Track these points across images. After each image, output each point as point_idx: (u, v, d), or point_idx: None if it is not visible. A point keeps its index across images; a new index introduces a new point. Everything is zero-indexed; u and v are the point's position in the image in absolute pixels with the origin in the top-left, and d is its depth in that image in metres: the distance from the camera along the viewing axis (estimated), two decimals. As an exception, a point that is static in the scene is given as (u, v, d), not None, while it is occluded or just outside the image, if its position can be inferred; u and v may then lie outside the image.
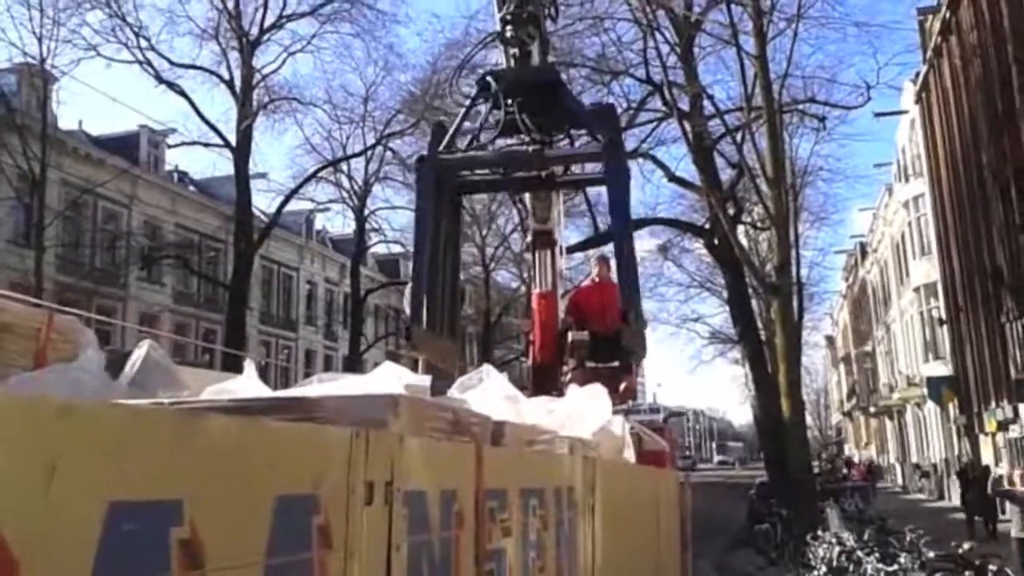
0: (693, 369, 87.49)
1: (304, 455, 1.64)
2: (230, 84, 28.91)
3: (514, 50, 8.95)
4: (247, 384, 2.80)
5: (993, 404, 27.96)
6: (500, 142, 8.90)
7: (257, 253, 31.25)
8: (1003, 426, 27.04)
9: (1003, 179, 25.07)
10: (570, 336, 9.51)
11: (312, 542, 1.62)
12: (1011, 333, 25.57)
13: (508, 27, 8.83)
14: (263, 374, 3.65)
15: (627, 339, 7.84)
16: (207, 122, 28.76)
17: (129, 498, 1.18)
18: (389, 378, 2.43)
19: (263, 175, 33.72)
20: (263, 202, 36.90)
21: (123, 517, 1.16)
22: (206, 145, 29.99)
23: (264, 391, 2.68)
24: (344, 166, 34.14)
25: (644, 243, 34.19)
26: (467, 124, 9.10)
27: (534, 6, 9.03)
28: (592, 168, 9.68)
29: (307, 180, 32.49)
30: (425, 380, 2.55)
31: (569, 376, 8.45)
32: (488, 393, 3.37)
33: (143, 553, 1.21)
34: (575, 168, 9.70)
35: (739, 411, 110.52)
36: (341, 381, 2.52)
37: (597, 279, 9.70)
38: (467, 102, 9.39)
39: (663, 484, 6.78)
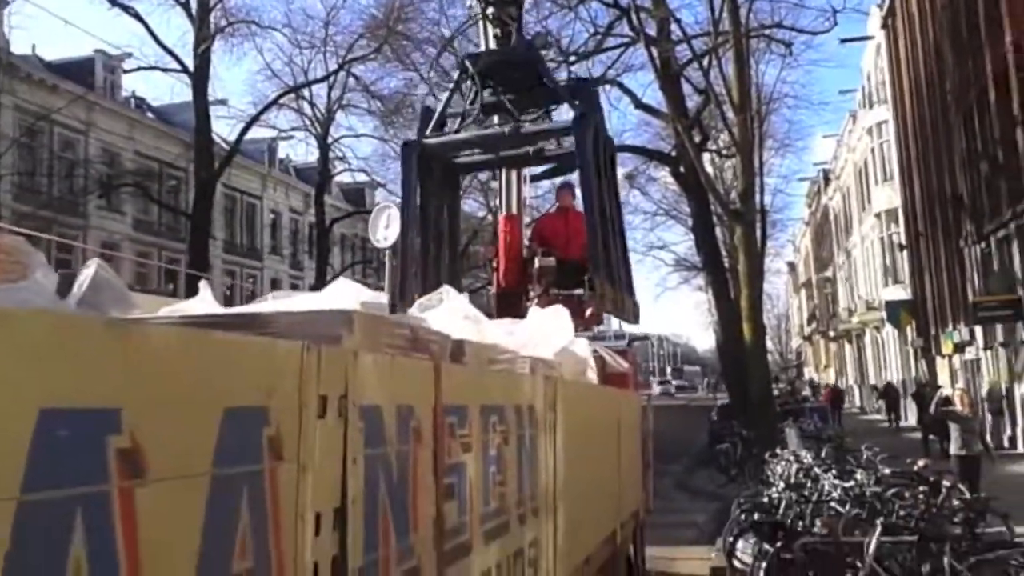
0: (658, 296, 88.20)
1: (253, 368, 1.62)
2: (186, 6, 28.05)
3: (496, 30, 9.05)
4: (201, 305, 2.76)
5: (950, 327, 28.59)
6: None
7: (219, 181, 30.76)
8: (959, 348, 27.72)
9: (966, 106, 25.19)
10: (536, 262, 9.52)
11: (263, 454, 1.60)
12: (969, 257, 26.02)
13: (489, 7, 8.88)
14: (228, 303, 3.60)
15: (595, 303, 7.92)
16: (163, 46, 27.98)
17: (61, 406, 1.14)
18: (344, 295, 2.40)
19: (223, 101, 33.01)
20: (224, 129, 36.40)
21: (55, 424, 1.12)
22: (163, 70, 29.24)
23: (219, 310, 2.64)
24: (306, 92, 33.49)
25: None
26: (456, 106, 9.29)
27: None
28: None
29: (268, 107, 31.86)
30: (382, 297, 2.52)
31: (535, 303, 8.45)
32: (448, 313, 3.35)
33: (77, 461, 1.18)
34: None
35: (703, 337, 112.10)
36: (295, 298, 2.48)
37: (563, 207, 9.67)
38: (450, 84, 9.59)
39: (625, 405, 6.87)
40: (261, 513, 1.60)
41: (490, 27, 9.25)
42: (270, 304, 2.42)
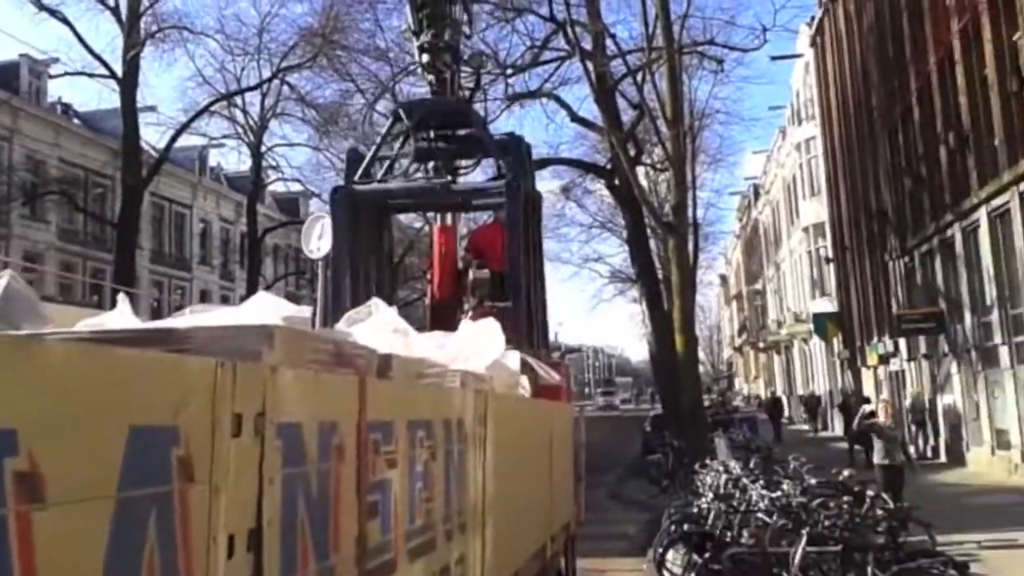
0: (594, 308, 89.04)
1: (161, 385, 1.56)
2: (115, 11, 27.39)
3: (431, 77, 9.13)
4: (119, 319, 2.67)
5: (875, 339, 29.37)
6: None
7: (147, 190, 30.05)
8: (884, 360, 28.48)
9: (891, 123, 25.98)
10: (471, 274, 9.52)
11: (172, 474, 1.55)
12: (893, 271, 26.79)
13: (425, 55, 8.95)
14: (155, 315, 3.50)
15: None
16: (91, 51, 27.27)
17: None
18: (265, 310, 2.35)
19: (152, 108, 32.27)
20: (153, 136, 35.53)
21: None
22: (91, 76, 28.43)
23: (136, 325, 2.56)
24: (239, 100, 32.95)
25: (547, 184, 34.38)
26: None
27: (451, 36, 9.12)
28: None
29: (199, 114, 31.23)
30: (305, 312, 2.47)
31: (470, 315, 8.44)
32: (376, 327, 3.31)
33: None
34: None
35: (637, 348, 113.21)
36: (214, 313, 2.42)
37: (499, 219, 9.70)
38: (382, 131, 9.71)
39: (558, 417, 6.88)
40: (170, 536, 1.55)
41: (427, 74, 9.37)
42: (188, 319, 2.36)
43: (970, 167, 19.33)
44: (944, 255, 21.91)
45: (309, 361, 2.23)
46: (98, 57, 27.34)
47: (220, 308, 2.58)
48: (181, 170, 39.36)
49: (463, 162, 9.59)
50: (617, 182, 26.57)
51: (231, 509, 1.71)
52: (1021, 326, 17.37)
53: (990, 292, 18.87)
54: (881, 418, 13.22)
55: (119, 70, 27.32)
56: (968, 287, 20.16)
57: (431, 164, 9.57)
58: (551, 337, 19.12)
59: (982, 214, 18.79)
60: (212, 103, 31.46)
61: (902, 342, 25.67)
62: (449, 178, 9.21)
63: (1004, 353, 18.24)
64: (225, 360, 1.73)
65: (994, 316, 18.70)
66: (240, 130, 34.53)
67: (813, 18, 36.24)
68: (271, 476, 1.83)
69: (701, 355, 57.10)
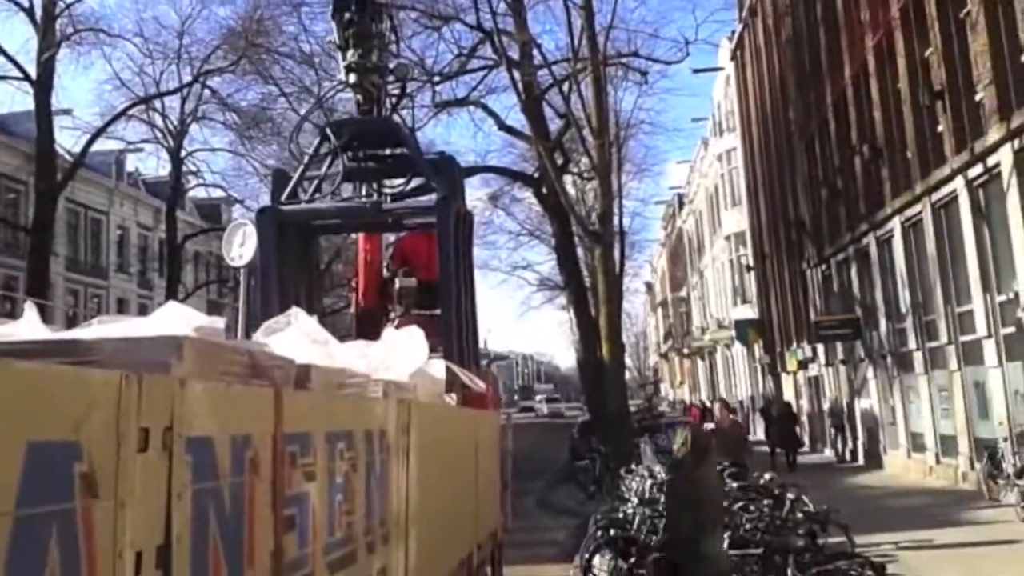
0: (522, 315, 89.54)
1: (62, 399, 1.51)
2: (30, 13, 26.49)
3: (359, 97, 9.05)
4: (26, 329, 2.58)
5: (794, 345, 30.11)
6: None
7: (62, 195, 29.12)
8: (803, 365, 29.22)
9: (808, 135, 26.72)
10: (397, 282, 9.46)
11: (74, 491, 1.50)
12: (811, 279, 27.52)
13: (352, 75, 8.86)
14: (71, 324, 3.39)
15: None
16: (4, 53, 26.29)
17: None
18: (175, 320, 2.29)
19: (67, 111, 31.26)
20: (68, 140, 34.24)
21: None
22: (3, 78, 27.45)
23: (44, 334, 2.47)
24: (158, 104, 32.14)
25: (475, 192, 34.41)
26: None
27: (378, 56, 9.06)
28: None
29: (116, 118, 30.37)
30: (218, 323, 2.42)
31: (396, 323, 8.39)
32: (295, 336, 3.26)
33: None
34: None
35: (566, 355, 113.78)
36: (123, 324, 2.35)
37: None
38: (310, 150, 9.56)
39: (483, 425, 6.87)
40: (73, 554, 1.50)
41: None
42: (95, 329, 2.29)
43: (884, 178, 19.98)
44: (860, 263, 22.60)
45: (222, 373, 2.19)
46: (11, 59, 26.42)
47: (128, 318, 2.50)
48: (97, 175, 38.25)
49: (393, 181, 9.52)
50: (545, 190, 26.77)
51: (138, 525, 1.67)
52: (934, 332, 18.00)
53: (904, 299, 19.53)
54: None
55: (33, 72, 26.46)
56: (883, 294, 20.82)
57: (360, 183, 9.50)
58: (480, 344, 19.12)
59: (895, 224, 19.44)
60: (130, 107, 30.66)
61: (820, 348, 26.36)
62: (378, 197, 9.15)
63: (918, 358, 18.88)
64: (131, 373, 1.68)
65: (908, 322, 19.35)
66: (159, 134, 33.72)
67: (733, 32, 37.11)
68: (180, 491, 1.79)
69: (628, 361, 57.73)
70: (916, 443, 19.68)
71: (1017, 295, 14.21)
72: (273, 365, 2.57)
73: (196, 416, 1.87)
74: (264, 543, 2.23)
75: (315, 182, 8.97)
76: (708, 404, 33.92)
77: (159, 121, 33.11)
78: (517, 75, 22.82)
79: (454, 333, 7.99)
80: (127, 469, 1.63)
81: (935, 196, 17.18)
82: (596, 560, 8.45)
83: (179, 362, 1.97)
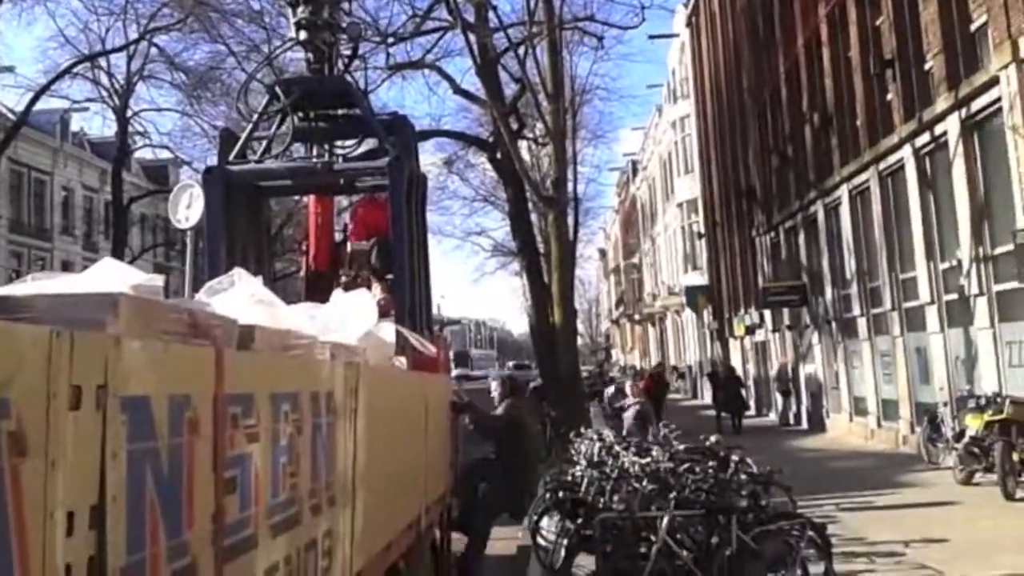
0: (477, 280, 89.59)
1: (-13, 356, 1.47)
2: (-33, -36, 25.50)
3: (309, 55, 8.81)
4: (-44, 288, 2.50)
5: (742, 311, 30.55)
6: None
7: (4, 155, 28.28)
8: (750, 331, 29.68)
9: (760, 103, 26.91)
10: (349, 245, 9.38)
11: (1, 449, 1.46)
12: (760, 246, 27.87)
13: (302, 31, 8.63)
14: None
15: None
16: (-60, 7, 25.34)
17: None
18: (111, 277, 2.23)
19: (9, 69, 30.37)
20: (11, 99, 33.35)
21: None
22: (-61, 33, 26.45)
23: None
24: (103, 62, 31.19)
25: (429, 157, 34.15)
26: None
27: (329, 13, 8.81)
28: None
29: (60, 76, 29.43)
30: (156, 280, 2.36)
31: (346, 286, 8.32)
32: (239, 297, 3.21)
33: None
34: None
35: (519, 321, 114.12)
36: (57, 280, 2.29)
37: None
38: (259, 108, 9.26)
39: (434, 390, 6.87)
40: (1, 514, 1.46)
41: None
42: (28, 286, 2.22)
43: (833, 146, 20.24)
44: (808, 231, 22.93)
45: (160, 332, 2.14)
46: (-52, 13, 25.48)
47: (63, 276, 2.43)
48: (41, 135, 37.24)
49: (345, 142, 9.35)
50: (499, 156, 26.57)
51: (70, 485, 1.63)
52: (878, 299, 18.37)
53: (850, 266, 19.89)
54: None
55: (-30, 27, 25.56)
56: (829, 261, 21.18)
57: (311, 143, 9.33)
58: (434, 310, 19.04)
59: (843, 192, 19.73)
60: (74, 64, 29.73)
61: (767, 314, 26.77)
62: (329, 158, 9.00)
63: (862, 325, 19.29)
64: (62, 329, 1.63)
65: (853, 289, 19.72)
66: (105, 93, 32.77)
67: (689, -2, 37.12)
68: (115, 451, 1.75)
69: (580, 327, 58.03)
70: (858, 407, 20.16)
71: (960, 263, 14.55)
72: (214, 325, 2.52)
73: (132, 375, 1.83)
74: (204, 505, 2.21)
75: (264, 142, 8.79)
76: (661, 370, 32.49)
77: (105, 80, 32.18)
78: (472, 38, 22.52)
79: (406, 296, 7.95)
80: (59, 428, 1.59)
81: (883, 164, 17.45)
82: (544, 522, 8.54)
83: (114, 320, 1.92)
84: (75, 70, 30.05)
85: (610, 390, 15.76)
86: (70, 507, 1.63)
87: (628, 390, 14.25)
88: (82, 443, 1.66)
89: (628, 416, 12.63)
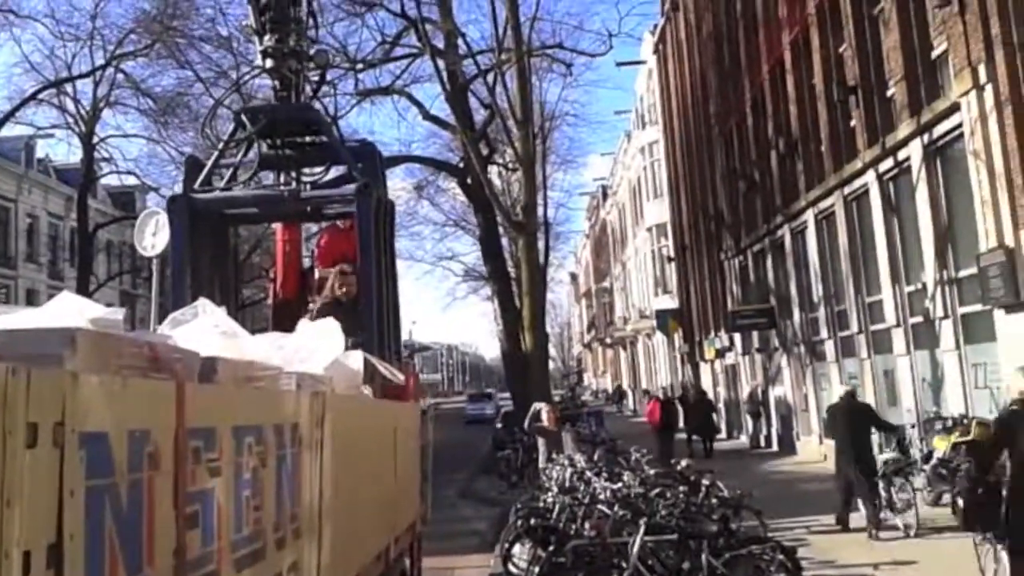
0: (448, 306, 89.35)
1: (-60, 394, 1.45)
2: (-71, -10, 25.28)
3: (276, 82, 8.81)
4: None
5: (712, 334, 30.73)
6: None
7: (-34, 182, 27.92)
8: (720, 354, 29.84)
9: (727, 129, 27.23)
10: (316, 273, 9.32)
11: (-46, 490, 1.44)
12: (729, 269, 28.10)
13: (268, 60, 8.62)
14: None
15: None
16: (-99, 32, 25.03)
17: None
18: (69, 311, 2.21)
19: (-27, 96, 29.98)
20: (-27, 126, 32.74)
21: None
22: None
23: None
24: (69, 88, 30.98)
25: (400, 182, 34.16)
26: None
27: (296, 41, 8.82)
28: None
29: (25, 102, 29.22)
30: (117, 314, 2.34)
31: (315, 314, 8.26)
32: (202, 328, 3.19)
33: None
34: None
35: (491, 345, 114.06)
36: (15, 315, 2.26)
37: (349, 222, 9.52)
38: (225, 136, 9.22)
39: (402, 417, 6.83)
40: (-46, 555, 1.44)
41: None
42: (-16, 321, 2.19)
43: (799, 171, 20.50)
44: (775, 254, 23.16)
45: (119, 366, 2.12)
46: (-89, 39, 25.21)
47: (21, 309, 2.40)
48: (6, 161, 36.91)
49: (313, 170, 9.32)
50: (469, 181, 26.70)
51: (26, 523, 1.61)
52: (846, 322, 18.56)
53: (817, 289, 20.09)
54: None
55: (-66, 53, 25.29)
56: (797, 285, 21.39)
57: (278, 171, 9.28)
58: (405, 336, 18.94)
59: (809, 216, 19.97)
60: (40, 90, 29.51)
61: (737, 337, 26.94)
62: (297, 185, 8.95)
63: (830, 347, 19.46)
64: (19, 365, 1.61)
65: (821, 312, 19.91)
66: (71, 120, 32.51)
67: (656, 26, 37.55)
68: (72, 488, 1.73)
69: (552, 351, 58.12)
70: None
71: (925, 286, 14.75)
72: (175, 358, 2.50)
73: (90, 411, 1.81)
74: (166, 541, 2.18)
75: (231, 170, 8.74)
76: (668, 394, 28.03)
77: (71, 106, 31.94)
78: (441, 64, 22.69)
79: (374, 324, 7.91)
80: (14, 465, 1.57)
81: (847, 189, 17.70)
82: (516, 549, 8.52)
83: (72, 355, 1.90)
84: (41, 96, 29.85)
85: (536, 406, 15.72)
86: (26, 546, 1.60)
87: (545, 416, 14.45)
88: (39, 481, 1.64)
89: (541, 443, 12.86)
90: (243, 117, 8.61)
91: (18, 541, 1.59)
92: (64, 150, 50.58)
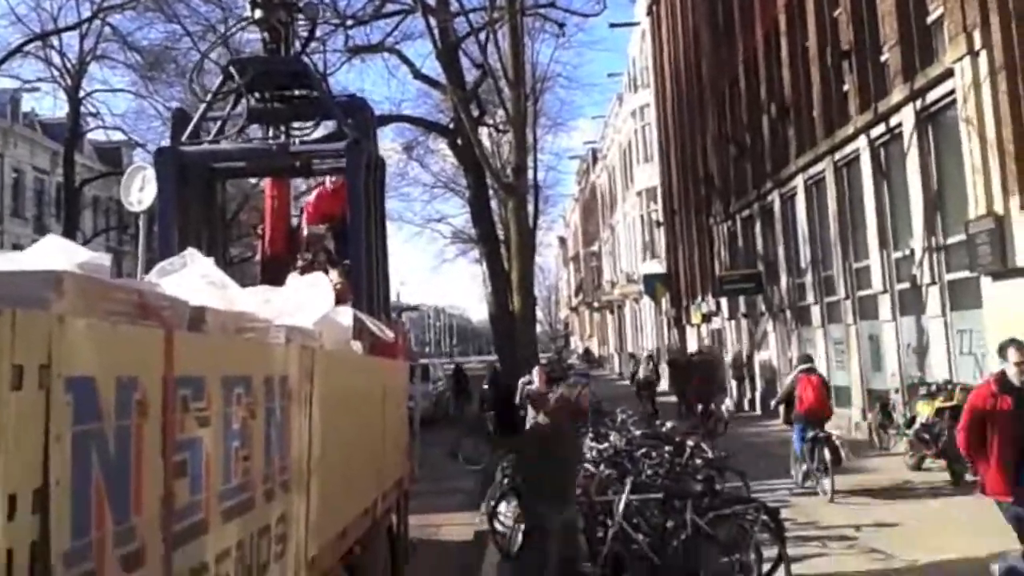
0: (436, 267, 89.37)
1: (-77, 333, 1.42)
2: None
3: (265, 34, 8.62)
4: None
5: (699, 298, 30.81)
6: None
7: (-51, 135, 27.55)
8: (707, 318, 29.94)
9: (719, 92, 27.08)
10: (305, 230, 9.26)
11: (-64, 430, 1.41)
12: (717, 234, 28.11)
13: (257, 10, 8.44)
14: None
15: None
16: None
17: None
18: (56, 255, 2.17)
19: (-42, 47, 29.40)
20: (-43, 78, 32.25)
21: None
22: None
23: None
24: (55, 41, 30.50)
25: (389, 143, 33.88)
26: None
27: None
28: None
29: (11, 55, 28.73)
30: (103, 259, 2.30)
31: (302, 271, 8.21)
32: (190, 278, 3.15)
33: None
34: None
35: (479, 308, 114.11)
36: (-1, 258, 2.22)
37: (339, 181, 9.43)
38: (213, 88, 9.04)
39: (391, 375, 6.83)
40: (-64, 498, 1.42)
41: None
42: (-32, 265, 2.15)
43: (790, 136, 20.44)
44: (764, 220, 23.16)
45: (106, 312, 2.08)
46: None
47: (7, 253, 2.36)
48: (-11, 115, 36.35)
49: (303, 125, 9.20)
50: (460, 142, 26.49)
51: (11, 467, 1.59)
52: (832, 287, 18.63)
53: (805, 255, 20.13)
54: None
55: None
56: (785, 250, 21.42)
57: (267, 125, 9.17)
58: (393, 297, 18.89)
59: (799, 182, 19.95)
60: (25, 43, 29.05)
61: (724, 301, 27.02)
62: (286, 139, 8.85)
63: (816, 312, 19.55)
64: (3, 307, 1.58)
65: (808, 278, 19.97)
66: (56, 73, 32.03)
67: (651, -14, 37.18)
68: (59, 432, 1.71)
69: (540, 315, 58.25)
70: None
71: (913, 252, 14.79)
72: (164, 305, 2.46)
73: (77, 355, 1.78)
74: (153, 488, 2.16)
75: (219, 123, 8.63)
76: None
77: (57, 59, 31.47)
78: (433, 22, 22.40)
79: (363, 281, 7.88)
80: (-1, 408, 1.55)
81: (838, 155, 17.67)
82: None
83: (59, 298, 1.86)
84: (26, 49, 29.40)
85: (523, 380, 16.05)
86: (12, 490, 1.59)
87: (537, 379, 14.68)
88: (24, 424, 1.62)
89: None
90: (231, 69, 8.49)
91: (3, 485, 1.57)
92: (50, 104, 49.97)
